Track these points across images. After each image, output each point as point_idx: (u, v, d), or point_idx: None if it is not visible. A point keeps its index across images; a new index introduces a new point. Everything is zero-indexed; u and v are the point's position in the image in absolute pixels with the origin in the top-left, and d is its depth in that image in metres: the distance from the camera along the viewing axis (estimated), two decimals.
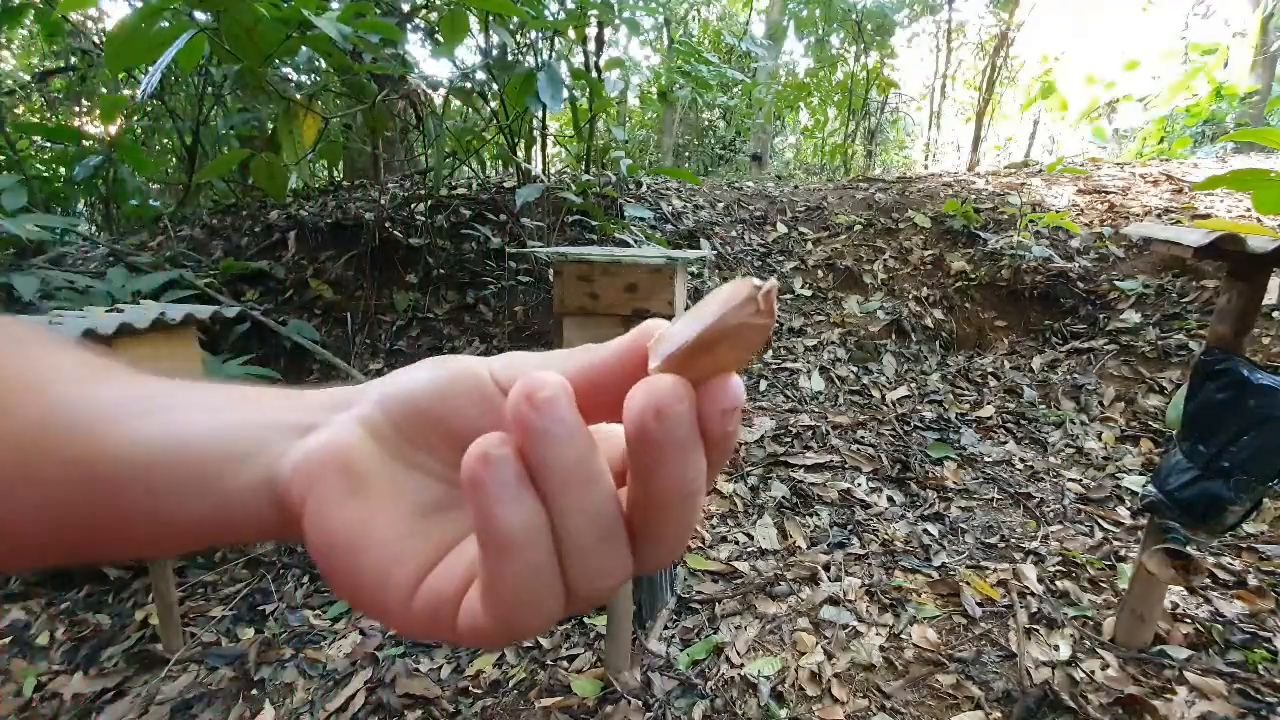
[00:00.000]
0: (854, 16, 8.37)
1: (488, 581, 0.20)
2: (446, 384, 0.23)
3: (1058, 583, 1.82)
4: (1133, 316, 3.16)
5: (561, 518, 0.19)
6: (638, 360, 0.21)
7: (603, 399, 0.21)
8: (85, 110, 5.08)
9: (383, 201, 3.64)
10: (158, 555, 0.21)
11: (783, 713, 1.45)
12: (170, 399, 0.25)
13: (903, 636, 1.65)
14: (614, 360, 0.22)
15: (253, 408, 0.25)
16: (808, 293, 3.61)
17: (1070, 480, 2.34)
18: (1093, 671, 1.50)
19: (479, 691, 1.56)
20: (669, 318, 0.21)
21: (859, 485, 2.33)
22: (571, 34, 3.74)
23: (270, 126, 3.56)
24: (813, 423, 2.66)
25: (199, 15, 2.09)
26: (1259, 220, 3.17)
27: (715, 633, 1.68)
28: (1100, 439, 2.58)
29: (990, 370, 3.15)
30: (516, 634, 0.21)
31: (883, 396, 2.93)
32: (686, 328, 0.19)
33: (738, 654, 1.61)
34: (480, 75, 3.40)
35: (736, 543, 2.05)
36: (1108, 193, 4.14)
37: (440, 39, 2.85)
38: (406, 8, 3.44)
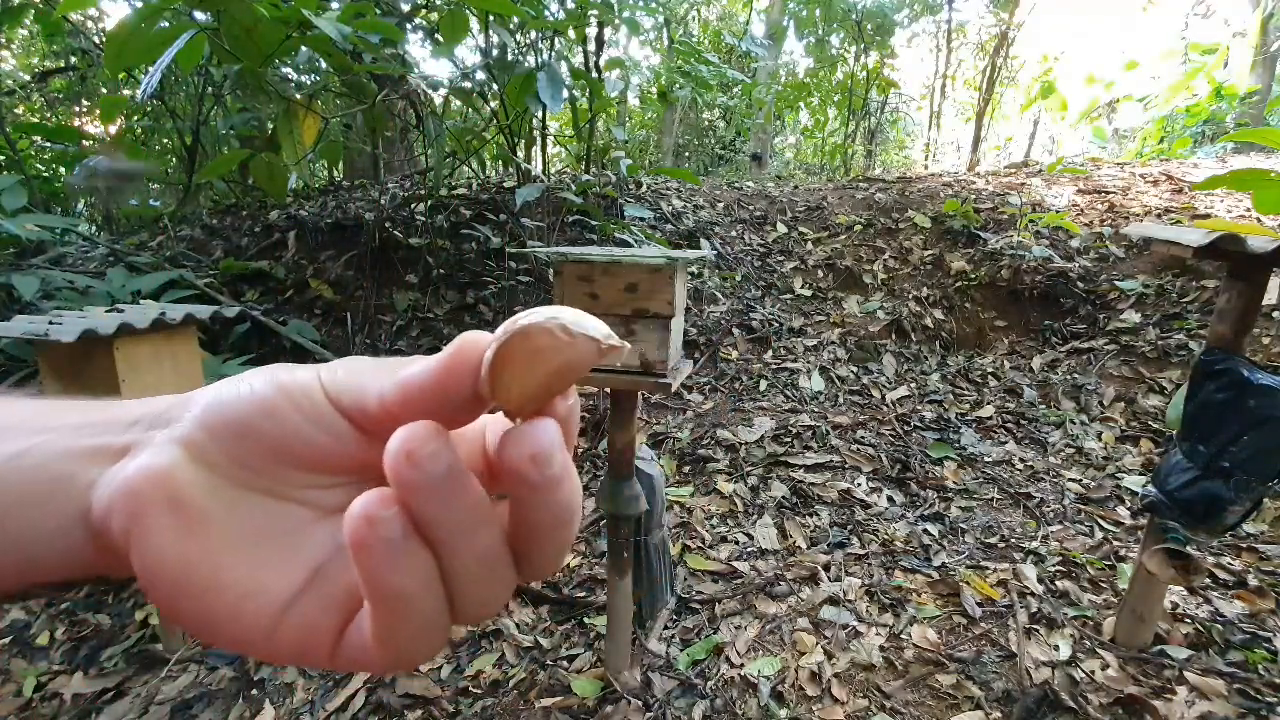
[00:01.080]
0: (854, 16, 8.37)
1: (381, 632, 0.20)
2: (274, 400, 0.21)
3: (1058, 583, 1.82)
4: (1133, 316, 3.16)
5: (451, 561, 0.19)
6: (465, 371, 0.20)
7: (431, 410, 0.20)
8: (85, 110, 5.08)
9: (383, 201, 3.64)
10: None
11: (783, 713, 1.45)
12: None
13: (903, 636, 1.65)
14: (441, 373, 0.20)
15: (50, 432, 0.22)
16: (808, 293, 3.61)
17: (1070, 480, 2.34)
18: (1093, 671, 1.50)
19: (479, 691, 1.56)
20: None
21: (859, 485, 2.33)
22: (571, 34, 3.74)
23: (270, 126, 3.56)
24: (813, 423, 2.66)
25: (199, 15, 2.09)
26: (1259, 220, 3.17)
27: (715, 633, 1.68)
28: (1100, 439, 2.58)
29: (990, 370, 3.15)
30: (406, 666, 0.21)
31: (883, 396, 2.93)
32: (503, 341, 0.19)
33: (738, 654, 1.61)
34: (480, 75, 3.40)
35: (736, 543, 2.05)
36: (1108, 193, 4.14)
37: (440, 39, 2.85)
38: (406, 8, 3.44)
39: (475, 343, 0.20)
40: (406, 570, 0.18)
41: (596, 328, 0.19)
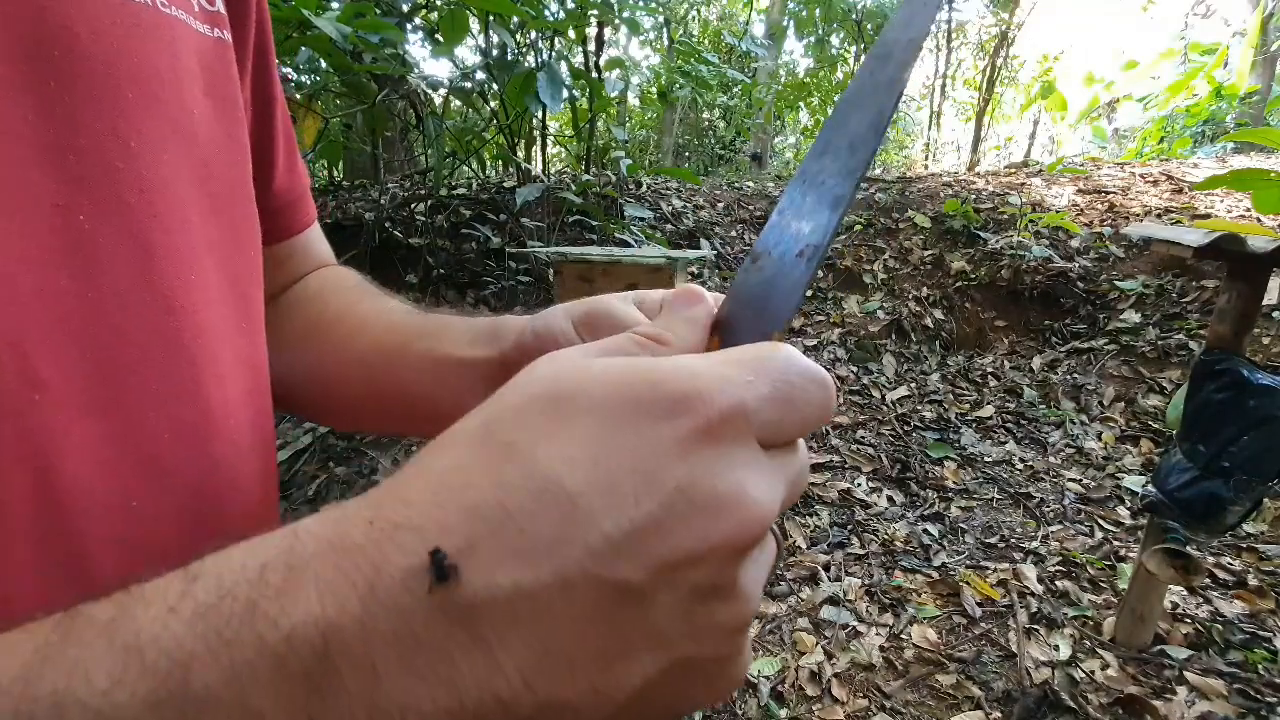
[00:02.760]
0: (854, 16, 8.37)
1: None
2: (603, 308, 0.34)
3: (1058, 583, 1.82)
4: (1133, 316, 3.16)
5: None
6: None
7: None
8: None
9: (383, 201, 3.64)
10: (425, 431, 0.39)
11: (783, 713, 1.45)
12: (437, 345, 0.40)
13: (903, 636, 1.65)
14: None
15: (470, 366, 0.38)
16: (808, 293, 3.61)
17: (1070, 480, 2.34)
18: (1093, 671, 1.50)
19: None
20: None
21: (859, 485, 2.33)
22: (571, 34, 3.74)
23: None
24: None
25: None
26: (1259, 220, 3.17)
27: None
28: (1100, 439, 2.58)
29: (990, 370, 3.15)
30: None
31: (883, 396, 2.93)
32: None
33: None
34: (480, 75, 3.40)
35: None
36: (1108, 193, 4.14)
37: (440, 39, 2.85)
38: (406, 8, 3.44)
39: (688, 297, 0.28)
40: None
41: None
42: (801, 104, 9.41)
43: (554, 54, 3.63)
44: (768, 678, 1.53)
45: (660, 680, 0.17)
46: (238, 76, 0.36)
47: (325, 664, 0.15)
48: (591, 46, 3.89)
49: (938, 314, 3.49)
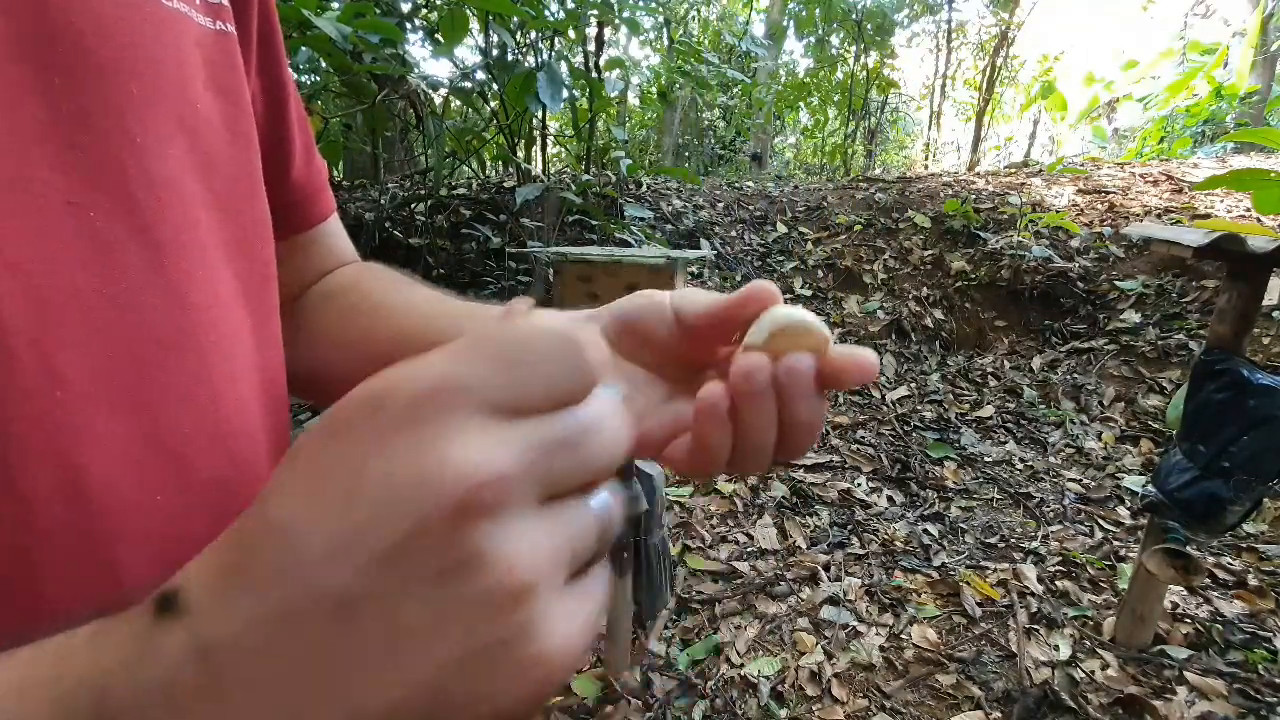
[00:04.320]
0: (854, 16, 8.37)
1: (693, 453, 0.30)
2: (647, 309, 0.34)
3: (1058, 583, 1.82)
4: (1133, 316, 3.16)
5: (743, 435, 0.29)
6: (747, 315, 0.30)
7: (717, 327, 0.32)
8: None
9: (383, 201, 3.64)
10: None
11: (783, 713, 1.45)
12: (477, 316, 0.41)
13: (903, 636, 1.65)
14: (732, 308, 0.31)
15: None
16: (808, 293, 3.61)
17: (1070, 480, 2.34)
18: (1093, 671, 1.50)
19: None
20: None
21: (859, 485, 2.33)
22: (571, 34, 3.74)
23: None
24: None
25: None
26: (1259, 220, 3.17)
27: (715, 633, 1.68)
28: (1100, 439, 2.58)
29: (990, 370, 3.15)
30: (697, 477, 0.33)
31: (883, 396, 2.93)
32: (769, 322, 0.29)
33: (738, 654, 1.61)
34: (480, 75, 3.40)
35: (736, 543, 2.05)
36: (1108, 193, 4.14)
37: (440, 39, 2.85)
38: (406, 8, 3.44)
39: (761, 296, 0.30)
40: (719, 429, 0.29)
41: (825, 328, 0.29)
42: (801, 104, 9.41)
43: (554, 54, 3.63)
44: (768, 678, 1.53)
45: (443, 676, 0.17)
46: (242, 69, 0.36)
47: (103, 715, 0.16)
48: (591, 46, 3.89)
49: (938, 314, 3.49)
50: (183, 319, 0.29)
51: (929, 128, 9.67)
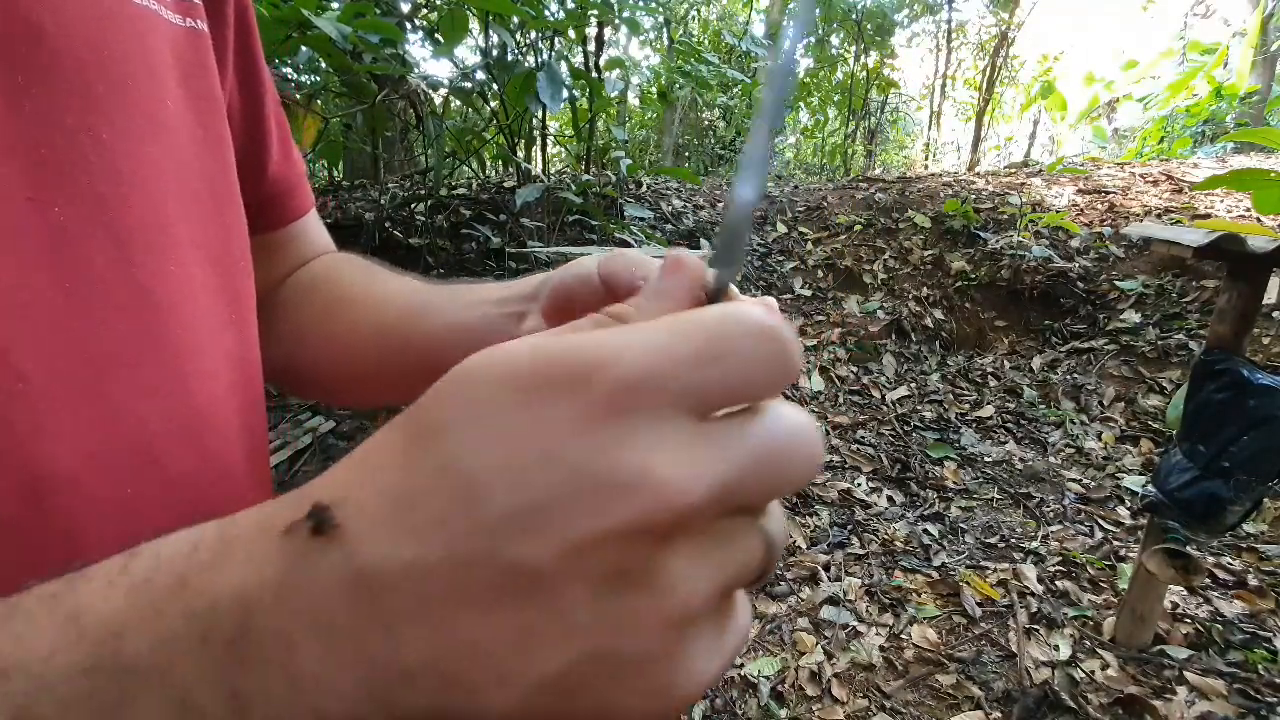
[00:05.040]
0: (854, 16, 8.37)
1: None
2: (574, 286, 0.34)
3: (1058, 583, 1.82)
4: (1133, 316, 3.16)
5: None
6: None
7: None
8: None
9: (383, 201, 3.64)
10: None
11: (783, 713, 1.45)
12: (450, 302, 0.41)
13: (903, 636, 1.65)
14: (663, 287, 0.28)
15: (491, 304, 0.39)
16: (808, 293, 3.61)
17: (1070, 480, 2.34)
18: (1093, 671, 1.50)
19: None
20: None
21: (859, 485, 2.33)
22: (571, 34, 3.74)
23: None
24: None
25: None
26: (1259, 220, 3.17)
27: None
28: (1100, 439, 2.58)
29: (990, 370, 3.15)
30: None
31: (883, 396, 2.93)
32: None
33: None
34: (480, 75, 3.40)
35: None
36: (1108, 193, 4.14)
37: (440, 39, 2.85)
38: (406, 8, 3.44)
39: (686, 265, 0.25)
40: None
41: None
42: (801, 104, 9.41)
43: (554, 54, 3.62)
44: (768, 678, 1.53)
45: (576, 675, 0.16)
46: (215, 66, 0.35)
47: (246, 635, 0.16)
48: (591, 46, 3.89)
49: (938, 314, 3.49)
50: (151, 316, 0.29)
51: (929, 128, 9.67)
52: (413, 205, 3.64)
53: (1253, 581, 1.77)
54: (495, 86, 3.31)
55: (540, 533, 0.16)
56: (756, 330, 0.18)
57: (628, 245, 3.13)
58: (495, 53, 3.31)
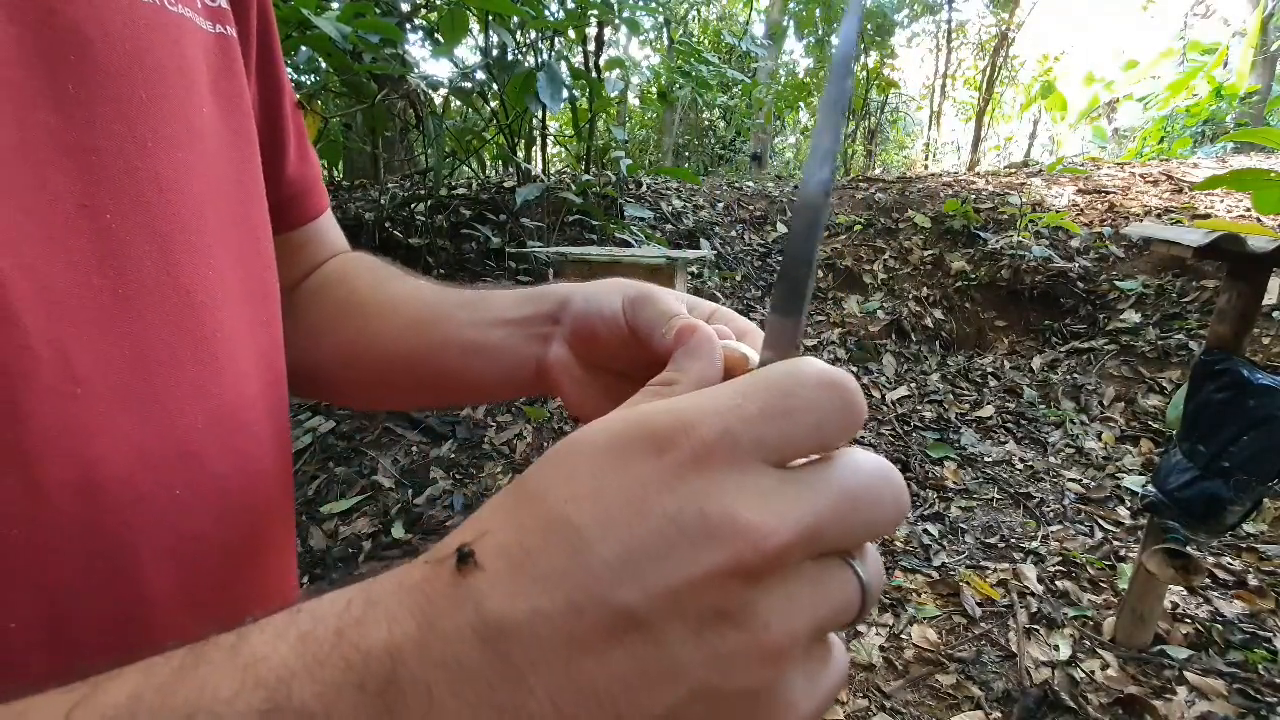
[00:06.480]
0: None
1: None
2: (595, 321, 0.35)
3: (1058, 583, 1.82)
4: (1133, 316, 3.16)
5: None
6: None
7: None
8: None
9: (383, 201, 3.64)
10: (463, 401, 0.48)
11: None
12: (464, 313, 0.41)
13: (903, 636, 1.65)
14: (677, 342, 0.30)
15: (513, 323, 0.39)
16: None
17: (1070, 480, 2.34)
18: (1093, 671, 1.50)
19: None
20: None
21: None
22: (571, 34, 3.74)
23: None
24: None
25: None
26: (1259, 220, 3.17)
27: None
28: (1100, 439, 2.58)
29: (990, 370, 3.15)
30: None
31: (883, 396, 2.93)
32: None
33: None
34: (480, 75, 3.39)
35: None
36: (1108, 193, 4.14)
37: (440, 39, 2.85)
38: (406, 8, 3.44)
39: (711, 342, 0.27)
40: None
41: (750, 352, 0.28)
42: (801, 104, 9.41)
43: (554, 54, 3.62)
44: None
45: (683, 712, 0.18)
46: (243, 72, 0.36)
47: (393, 685, 0.17)
48: (591, 46, 3.89)
49: (938, 314, 3.49)
50: (192, 319, 0.30)
51: (929, 128, 9.68)
52: (413, 205, 3.64)
53: (1253, 581, 1.77)
54: (495, 86, 3.31)
55: (642, 578, 0.17)
56: (816, 382, 0.20)
57: (628, 245, 3.13)
58: (495, 53, 3.31)
